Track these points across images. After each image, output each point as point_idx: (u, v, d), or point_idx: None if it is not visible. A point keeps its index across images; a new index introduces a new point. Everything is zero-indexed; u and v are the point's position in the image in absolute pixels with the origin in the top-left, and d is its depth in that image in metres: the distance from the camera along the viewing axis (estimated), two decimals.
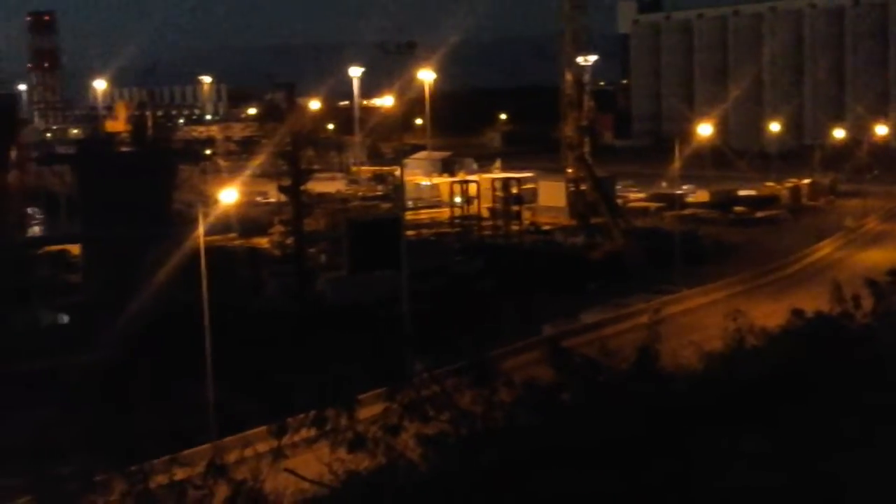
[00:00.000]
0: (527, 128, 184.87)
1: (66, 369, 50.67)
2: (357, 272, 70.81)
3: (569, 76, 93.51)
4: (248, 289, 68.40)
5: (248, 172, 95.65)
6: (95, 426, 40.65)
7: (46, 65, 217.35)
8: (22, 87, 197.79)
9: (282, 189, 76.61)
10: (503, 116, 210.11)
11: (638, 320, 47.56)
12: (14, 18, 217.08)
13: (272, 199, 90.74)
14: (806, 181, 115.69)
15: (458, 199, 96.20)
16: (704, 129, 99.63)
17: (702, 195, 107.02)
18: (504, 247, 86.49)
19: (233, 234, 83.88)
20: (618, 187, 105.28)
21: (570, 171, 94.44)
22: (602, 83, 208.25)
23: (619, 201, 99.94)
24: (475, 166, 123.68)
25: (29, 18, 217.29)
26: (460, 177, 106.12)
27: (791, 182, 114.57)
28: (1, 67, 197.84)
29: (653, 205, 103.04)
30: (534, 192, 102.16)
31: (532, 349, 41.80)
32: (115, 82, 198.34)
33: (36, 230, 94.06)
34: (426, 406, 16.20)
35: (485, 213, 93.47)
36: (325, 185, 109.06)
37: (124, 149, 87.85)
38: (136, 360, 51.41)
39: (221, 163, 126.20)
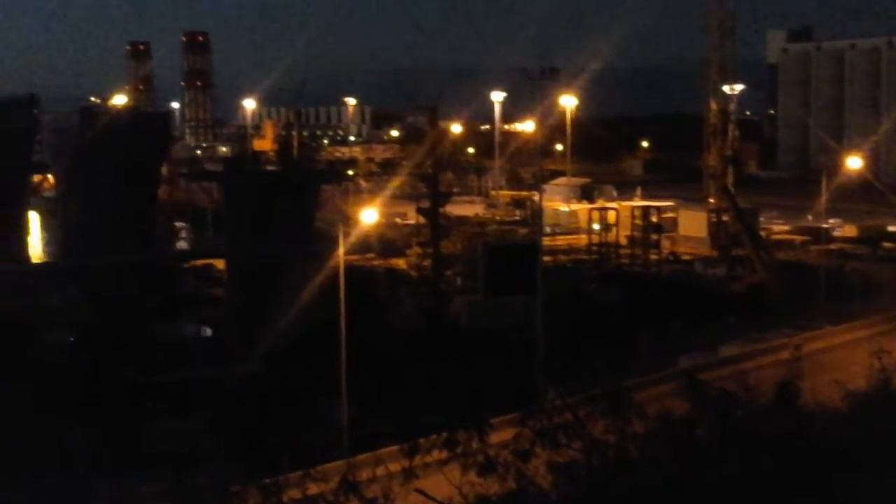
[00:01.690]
0: (668, 156, 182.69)
1: (208, 381, 51.98)
2: (492, 296, 70.87)
3: (714, 105, 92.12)
4: (384, 309, 69.13)
5: (387, 193, 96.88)
6: (234, 438, 41.59)
7: (199, 84, 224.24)
8: (175, 104, 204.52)
9: (420, 211, 77.30)
10: (644, 144, 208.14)
11: (778, 355, 46.50)
12: (170, 38, 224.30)
13: (411, 221, 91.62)
14: None
15: (596, 227, 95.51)
16: (854, 162, 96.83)
17: (849, 230, 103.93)
18: (642, 276, 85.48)
19: (371, 254, 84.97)
20: (761, 219, 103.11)
21: (712, 200, 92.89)
22: (748, 113, 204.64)
23: (763, 233, 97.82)
24: (615, 193, 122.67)
25: (184, 38, 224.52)
26: (599, 204, 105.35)
27: None
28: (156, 86, 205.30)
29: (797, 238, 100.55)
30: (674, 222, 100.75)
31: (667, 381, 41.15)
32: (264, 102, 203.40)
33: (183, 244, 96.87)
34: (558, 433, 16.10)
35: (623, 241, 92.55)
36: (463, 208, 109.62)
37: (270, 167, 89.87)
38: (276, 374, 52.50)
39: (362, 183, 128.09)
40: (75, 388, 49.91)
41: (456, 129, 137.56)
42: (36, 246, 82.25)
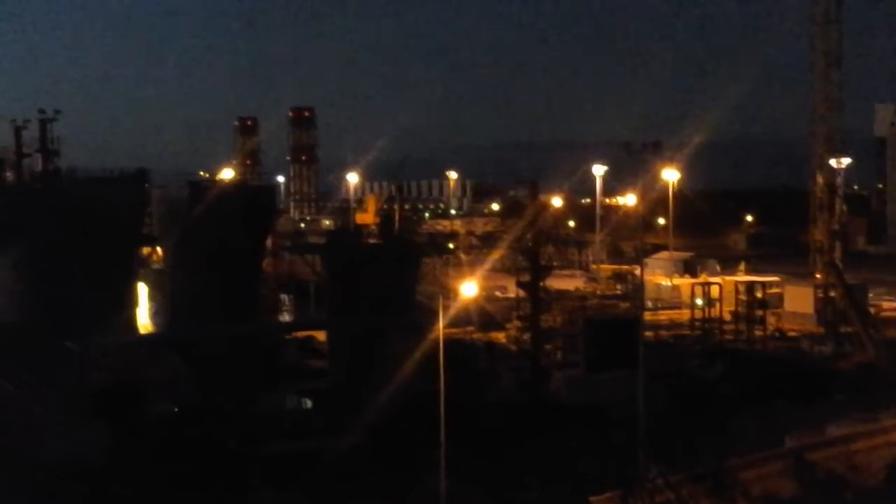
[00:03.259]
0: (773, 230, 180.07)
1: (309, 453, 52.27)
2: (593, 371, 70.22)
3: (820, 179, 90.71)
4: (484, 382, 68.93)
5: (488, 267, 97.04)
6: None
7: (304, 158, 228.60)
8: (280, 178, 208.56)
9: (520, 284, 77.15)
10: (749, 218, 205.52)
11: (890, 437, 44.99)
12: (277, 113, 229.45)
13: (511, 294, 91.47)
14: None
15: (699, 301, 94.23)
16: None
17: None
18: (746, 352, 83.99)
19: (471, 328, 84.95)
20: (870, 295, 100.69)
21: (818, 276, 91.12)
22: (856, 187, 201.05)
23: (872, 310, 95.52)
24: (718, 268, 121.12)
25: (291, 114, 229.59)
26: (702, 278, 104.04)
27: None
28: (262, 160, 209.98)
29: None
30: (779, 297, 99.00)
31: (773, 461, 40.16)
32: (367, 176, 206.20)
33: (286, 316, 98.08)
34: None
35: (727, 317, 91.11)
36: (564, 281, 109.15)
37: (372, 240, 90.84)
38: (376, 447, 52.59)
39: (463, 256, 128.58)
40: (180, 460, 50.59)
41: (556, 202, 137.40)
42: (143, 317, 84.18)
